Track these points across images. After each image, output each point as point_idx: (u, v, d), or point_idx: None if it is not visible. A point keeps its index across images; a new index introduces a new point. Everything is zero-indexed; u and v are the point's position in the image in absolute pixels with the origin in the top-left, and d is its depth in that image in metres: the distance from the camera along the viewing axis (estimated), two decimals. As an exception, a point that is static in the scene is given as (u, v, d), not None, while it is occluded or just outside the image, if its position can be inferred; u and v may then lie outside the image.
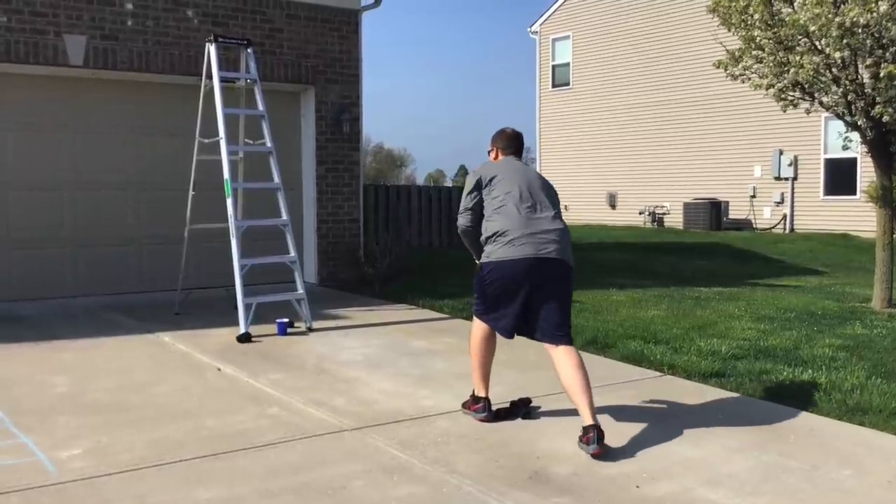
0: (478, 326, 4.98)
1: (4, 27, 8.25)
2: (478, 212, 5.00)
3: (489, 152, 5.34)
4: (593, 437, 4.23)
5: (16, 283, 8.82)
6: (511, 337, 4.91)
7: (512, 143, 5.28)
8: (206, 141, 7.81)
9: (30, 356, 6.33)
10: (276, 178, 7.83)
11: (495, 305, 4.84)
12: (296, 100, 10.42)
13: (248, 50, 8.02)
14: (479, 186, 4.99)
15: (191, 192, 8.15)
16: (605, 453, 4.17)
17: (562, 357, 4.64)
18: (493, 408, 4.83)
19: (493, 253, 4.77)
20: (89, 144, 9.22)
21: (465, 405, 5.04)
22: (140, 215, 9.56)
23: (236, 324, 7.08)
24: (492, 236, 4.80)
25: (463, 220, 5.08)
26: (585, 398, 4.43)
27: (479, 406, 4.91)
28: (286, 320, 7.25)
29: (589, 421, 4.33)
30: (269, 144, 7.86)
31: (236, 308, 7.14)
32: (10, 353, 6.43)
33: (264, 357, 6.35)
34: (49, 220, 9.03)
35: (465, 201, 5.06)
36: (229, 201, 7.40)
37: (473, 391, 4.99)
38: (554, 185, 5.25)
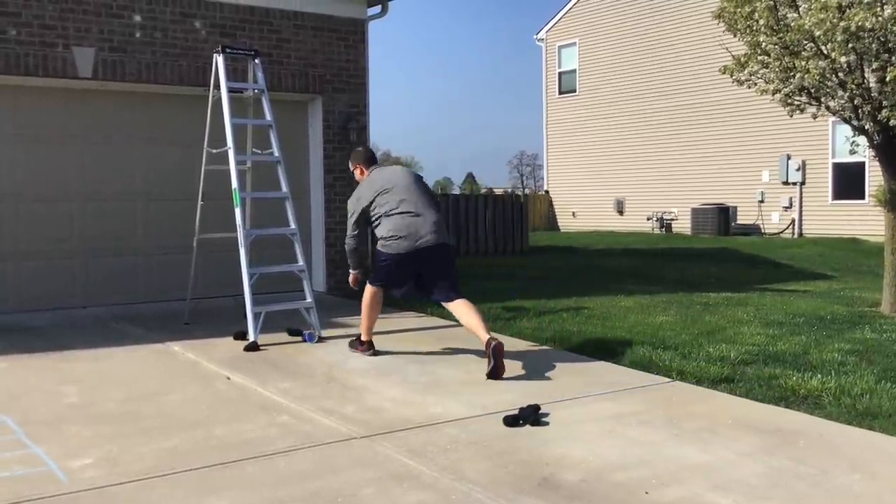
0: (371, 291, 6.51)
1: (14, 40, 8.32)
2: (363, 233, 6.71)
3: (353, 171, 6.85)
4: (493, 345, 5.82)
5: (26, 293, 8.87)
6: (405, 298, 6.97)
7: (369, 156, 6.91)
8: (215, 151, 7.85)
9: (40, 366, 6.36)
10: (284, 188, 7.86)
11: (391, 281, 6.49)
12: (303, 109, 10.46)
13: (256, 60, 8.06)
14: (364, 213, 6.48)
15: (199, 202, 8.18)
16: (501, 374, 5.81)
17: (459, 307, 6.26)
18: (503, 415, 4.86)
19: (386, 247, 6.34)
20: (98, 155, 9.28)
21: (352, 345, 6.73)
22: (149, 225, 9.60)
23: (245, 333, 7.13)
24: (385, 236, 6.33)
25: (352, 242, 6.70)
26: (482, 327, 6.07)
27: (365, 347, 6.63)
28: (311, 332, 7.30)
29: (486, 337, 5.96)
30: (276, 154, 7.89)
31: (245, 317, 7.16)
32: (21, 363, 6.47)
33: (273, 366, 6.36)
34: (58, 231, 9.09)
35: (352, 228, 6.60)
36: (238, 211, 7.43)
37: (359, 336, 6.66)
38: (423, 178, 6.78)
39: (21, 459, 4.22)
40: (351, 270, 6.92)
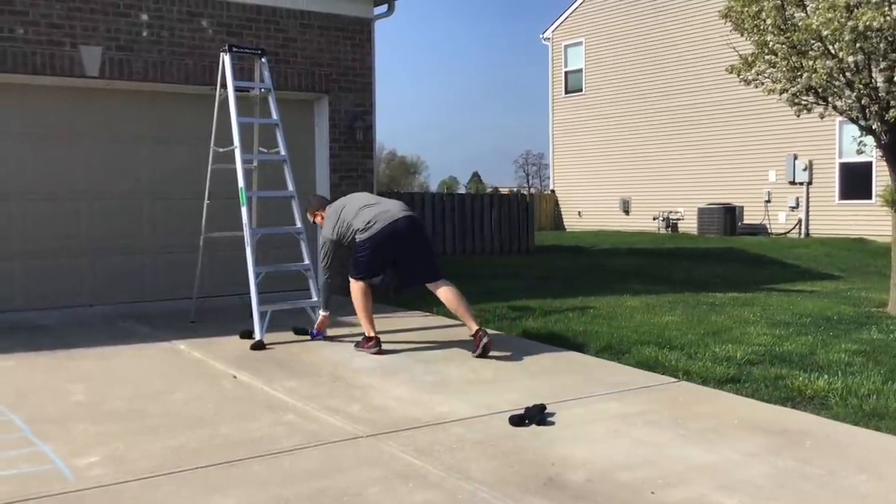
0: (357, 286, 6.79)
1: (21, 39, 8.34)
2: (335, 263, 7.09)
3: (314, 219, 7.36)
4: (482, 335, 6.41)
5: (33, 292, 8.90)
6: (383, 286, 7.37)
7: (320, 199, 7.63)
8: (221, 150, 7.86)
9: (48, 364, 6.38)
10: (291, 187, 7.87)
11: (371, 270, 6.84)
12: (309, 108, 10.47)
13: (263, 59, 8.07)
14: (337, 244, 6.98)
15: (206, 201, 8.20)
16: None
17: (447, 292, 6.71)
18: (509, 415, 4.86)
19: (364, 233, 6.73)
20: (105, 154, 9.30)
21: (358, 345, 6.75)
22: (155, 224, 9.63)
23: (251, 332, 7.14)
24: (361, 228, 6.74)
25: (326, 272, 7.08)
26: (469, 313, 6.60)
27: (372, 343, 6.65)
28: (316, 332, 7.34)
29: (475, 327, 6.50)
30: (283, 153, 7.91)
31: (251, 316, 7.18)
32: (29, 361, 6.49)
33: (279, 364, 6.37)
34: (65, 230, 9.11)
35: (325, 262, 7.04)
36: (244, 210, 7.44)
37: (364, 334, 6.72)
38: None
39: (28, 457, 4.24)
40: (322, 312, 7.25)
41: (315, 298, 7.59)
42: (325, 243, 7.07)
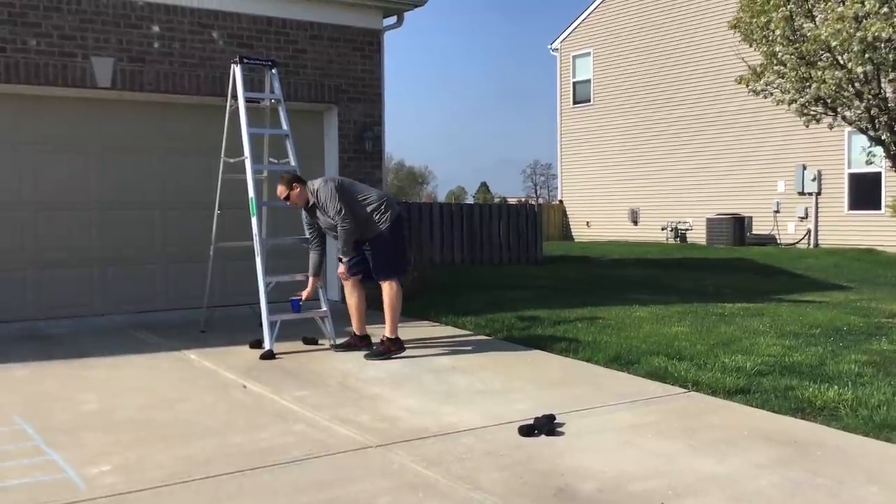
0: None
1: (34, 50, 8.41)
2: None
3: (285, 194, 7.19)
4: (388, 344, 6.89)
5: (45, 301, 8.94)
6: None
7: (295, 175, 7.43)
8: (232, 160, 7.90)
9: (59, 373, 6.41)
10: (301, 197, 7.89)
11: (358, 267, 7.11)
12: (319, 119, 10.51)
13: (273, 70, 8.12)
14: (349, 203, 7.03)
15: (216, 211, 8.24)
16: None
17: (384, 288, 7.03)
18: (518, 425, 4.87)
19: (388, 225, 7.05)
20: (116, 165, 9.35)
21: (350, 347, 7.12)
22: (166, 234, 9.67)
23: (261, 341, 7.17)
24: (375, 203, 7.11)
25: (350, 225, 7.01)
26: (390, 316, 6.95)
27: (365, 343, 7.08)
28: (298, 298, 7.43)
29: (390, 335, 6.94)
30: (293, 163, 7.94)
31: (261, 325, 7.20)
32: (41, 370, 6.52)
33: (289, 374, 6.39)
34: (77, 240, 9.16)
35: (345, 215, 6.94)
36: (254, 220, 7.48)
37: (356, 334, 7.17)
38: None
39: (40, 466, 4.26)
40: (346, 259, 7.11)
41: (324, 308, 7.61)
42: (334, 192, 7.01)
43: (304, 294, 7.40)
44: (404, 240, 7.43)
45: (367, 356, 6.91)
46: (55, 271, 9.02)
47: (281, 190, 7.22)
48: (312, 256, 7.38)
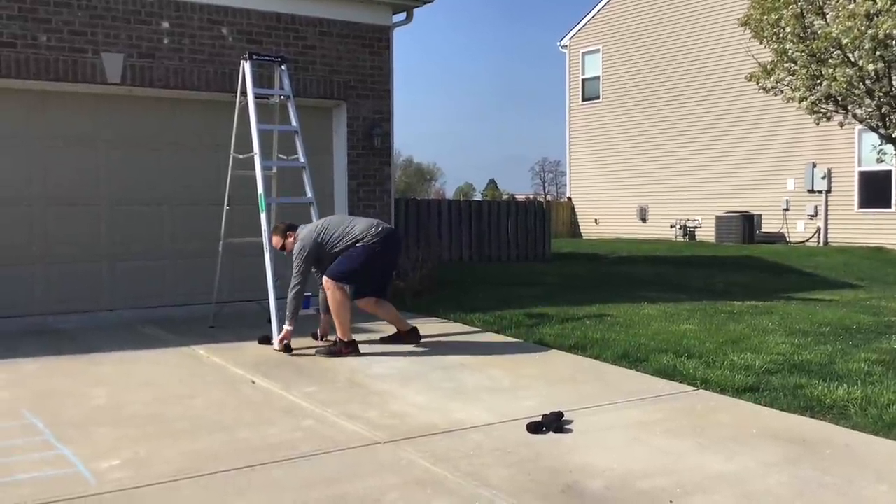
0: (344, 292, 6.99)
1: (44, 46, 8.44)
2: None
3: (281, 244, 7.31)
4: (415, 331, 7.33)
5: (54, 296, 8.97)
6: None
7: (291, 224, 7.40)
8: (241, 156, 7.92)
9: (69, 369, 6.44)
10: (309, 193, 7.92)
11: (359, 278, 7.18)
12: (328, 115, 10.52)
13: (282, 67, 8.13)
14: (316, 252, 7.04)
15: (225, 207, 8.26)
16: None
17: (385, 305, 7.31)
18: (526, 422, 4.87)
19: (376, 242, 7.03)
20: (126, 160, 9.37)
21: (338, 353, 6.85)
22: (175, 230, 9.68)
23: (270, 337, 7.19)
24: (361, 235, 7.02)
25: (298, 281, 7.06)
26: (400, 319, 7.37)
27: (351, 349, 6.88)
28: (308, 294, 7.46)
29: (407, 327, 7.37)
30: (302, 159, 7.95)
31: (269, 321, 7.21)
32: (51, 365, 6.55)
33: (297, 370, 6.41)
34: (86, 235, 9.18)
35: (300, 267, 7.00)
36: (263, 216, 7.49)
37: (341, 339, 6.90)
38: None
39: (49, 460, 4.28)
40: (287, 326, 7.01)
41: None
42: (303, 248, 6.99)
43: (320, 332, 7.47)
44: (386, 263, 7.29)
45: (316, 352, 6.99)
46: (64, 266, 9.05)
47: (276, 241, 7.35)
48: (322, 294, 7.27)
